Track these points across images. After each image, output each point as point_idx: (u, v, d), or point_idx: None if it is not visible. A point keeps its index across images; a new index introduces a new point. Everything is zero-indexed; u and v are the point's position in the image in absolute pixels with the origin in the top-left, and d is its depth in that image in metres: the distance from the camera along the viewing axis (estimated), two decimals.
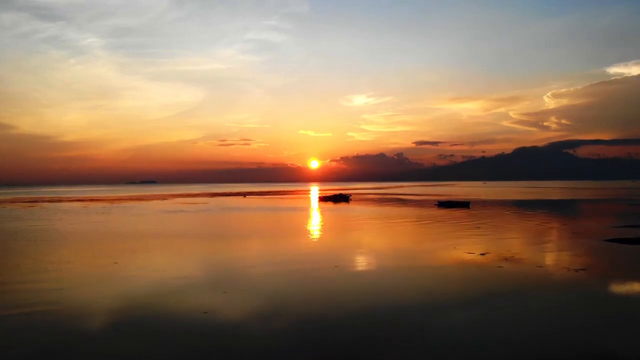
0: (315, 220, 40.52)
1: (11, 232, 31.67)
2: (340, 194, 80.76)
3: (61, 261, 19.99)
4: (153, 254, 22.18)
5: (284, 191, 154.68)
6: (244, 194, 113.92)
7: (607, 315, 11.99)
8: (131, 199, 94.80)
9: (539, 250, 22.81)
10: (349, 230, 33.13)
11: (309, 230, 32.30)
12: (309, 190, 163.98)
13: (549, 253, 21.79)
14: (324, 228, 34.10)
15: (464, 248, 23.03)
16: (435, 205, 61.90)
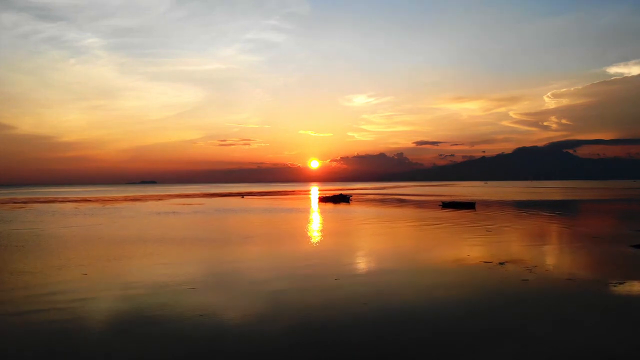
0: (314, 223, 38.14)
1: None
2: (341, 195, 78.38)
3: (21, 271, 17.61)
4: (129, 263, 19.79)
5: (283, 191, 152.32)
6: (242, 195, 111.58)
7: None
8: (126, 199, 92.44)
9: (564, 258, 20.43)
10: (349, 234, 30.75)
11: (306, 235, 29.91)
12: (309, 191, 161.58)
13: (577, 262, 19.36)
14: (324, 232, 31.71)
15: (478, 255, 20.65)
16: (439, 206, 59.56)
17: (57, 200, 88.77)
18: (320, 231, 31.86)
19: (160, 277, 16.47)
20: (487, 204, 63.29)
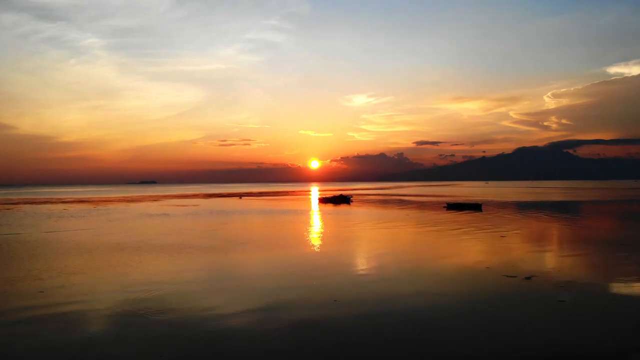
0: (313, 227, 35.61)
1: None
2: (341, 195, 75.89)
3: None
4: (98, 276, 17.29)
5: (283, 192, 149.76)
6: (240, 195, 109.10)
7: None
8: (121, 200, 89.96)
9: (599, 270, 17.91)
10: (350, 240, 28.25)
11: (304, 241, 27.39)
12: (309, 191, 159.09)
13: (619, 276, 16.81)
14: (323, 237, 29.17)
15: (498, 267, 18.14)
16: (444, 207, 57.07)
17: (50, 201, 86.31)
18: (320, 236, 29.34)
19: (120, 297, 13.97)
20: (493, 205, 60.80)
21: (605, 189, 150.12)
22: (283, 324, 11.34)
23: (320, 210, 55.39)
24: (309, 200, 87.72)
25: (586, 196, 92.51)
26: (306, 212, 50.72)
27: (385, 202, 74.39)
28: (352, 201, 73.18)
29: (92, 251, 22.90)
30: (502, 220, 38.67)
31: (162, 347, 9.80)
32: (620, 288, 14.81)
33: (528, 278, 16.15)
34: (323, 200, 74.39)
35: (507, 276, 16.53)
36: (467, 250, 23.10)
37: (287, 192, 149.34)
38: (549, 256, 21.14)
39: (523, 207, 57.52)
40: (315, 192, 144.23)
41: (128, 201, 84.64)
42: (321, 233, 31.05)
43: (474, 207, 55.19)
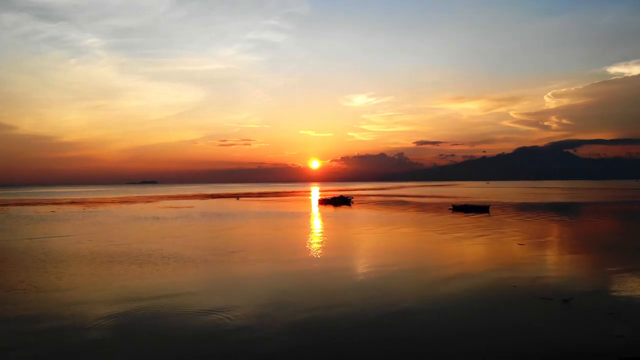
0: (311, 232, 32.93)
1: None
2: (342, 197, 73.25)
3: None
4: (46, 298, 14.64)
5: (282, 192, 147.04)
6: (237, 197, 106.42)
7: None
8: (114, 201, 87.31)
9: None
10: (351, 249, 25.59)
11: (299, 249, 24.70)
12: (309, 192, 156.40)
13: None
14: (321, 246, 26.48)
15: (527, 286, 15.46)
16: (449, 209, 54.44)
17: (41, 203, 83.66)
18: (317, 245, 26.64)
19: (72, 324, 11.31)
20: (500, 207, 58.13)
21: (609, 189, 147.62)
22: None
23: (319, 212, 52.74)
24: (308, 201, 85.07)
25: (593, 197, 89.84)
26: (304, 215, 48.05)
27: (386, 203, 71.72)
28: (352, 202, 70.57)
29: (58, 263, 20.22)
30: (513, 225, 36.02)
31: None
32: None
33: (566, 300, 13.50)
34: (323, 202, 71.74)
35: (542, 298, 13.87)
36: (485, 262, 20.43)
37: (287, 192, 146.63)
38: (581, 270, 18.44)
39: (531, 209, 54.84)
40: (315, 192, 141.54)
41: (121, 202, 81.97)
42: (319, 240, 28.34)
43: (481, 209, 52.56)
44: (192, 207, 64.68)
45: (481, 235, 29.20)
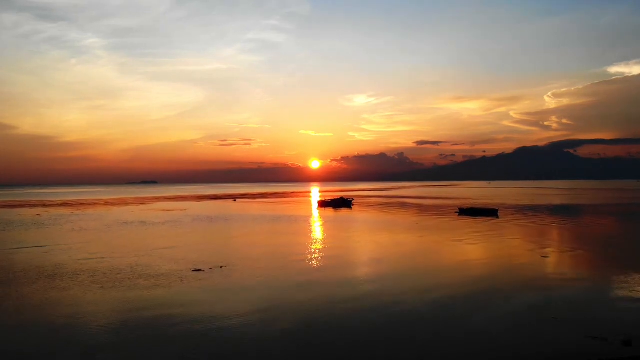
0: (309, 240, 30.04)
1: None
2: (342, 199, 70.41)
3: None
4: None
5: (281, 193, 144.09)
6: (235, 198, 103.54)
7: None
8: (107, 203, 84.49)
9: None
10: (353, 265, 22.74)
11: (290, 264, 21.85)
12: (309, 192, 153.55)
13: None
14: (317, 260, 23.63)
15: (571, 320, 12.63)
16: (456, 212, 51.60)
17: (30, 204, 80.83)
18: (313, 258, 23.78)
19: None
20: (509, 210, 55.25)
21: (613, 189, 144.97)
22: None
23: (318, 216, 49.88)
24: (307, 203, 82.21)
25: (601, 199, 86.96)
26: (302, 219, 45.17)
27: (388, 205, 68.83)
28: (353, 205, 67.74)
29: (11, 283, 17.33)
30: (527, 231, 33.18)
31: None
32: None
33: (627, 343, 10.64)
34: (323, 204, 68.87)
35: (594, 338, 11.00)
36: (509, 280, 17.55)
37: (286, 193, 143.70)
38: (629, 294, 15.57)
39: (541, 212, 51.95)
40: (315, 194, 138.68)
41: (114, 204, 79.10)
42: (316, 253, 25.45)
43: (490, 212, 49.75)
44: (185, 210, 61.80)
45: (496, 244, 26.33)
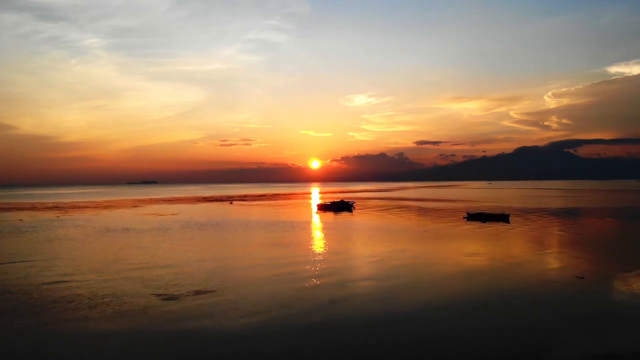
0: (304, 252, 26.85)
1: None
2: (342, 201, 67.20)
3: None
4: None
5: (281, 194, 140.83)
6: (231, 200, 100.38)
7: None
8: (98, 206, 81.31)
9: None
10: (354, 279, 19.57)
11: (285, 289, 18.70)
12: (309, 193, 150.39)
13: None
14: (315, 275, 20.48)
15: None
16: (464, 218, 48.46)
17: (18, 207, 77.72)
18: (311, 274, 20.63)
19: None
20: (519, 214, 52.09)
21: (617, 190, 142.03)
22: None
23: (317, 221, 46.71)
24: (306, 206, 79.05)
25: (612, 201, 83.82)
26: (299, 226, 41.98)
27: (391, 209, 65.61)
28: (354, 208, 64.56)
29: None
30: (547, 241, 30.03)
31: None
32: None
33: None
34: (322, 208, 65.68)
35: None
36: (550, 312, 14.37)
37: (286, 194, 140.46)
38: None
39: (555, 217, 48.77)
40: (314, 195, 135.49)
41: (104, 207, 75.91)
42: (312, 271, 22.29)
43: (500, 217, 46.60)
44: (176, 214, 58.59)
45: (519, 259, 23.14)
